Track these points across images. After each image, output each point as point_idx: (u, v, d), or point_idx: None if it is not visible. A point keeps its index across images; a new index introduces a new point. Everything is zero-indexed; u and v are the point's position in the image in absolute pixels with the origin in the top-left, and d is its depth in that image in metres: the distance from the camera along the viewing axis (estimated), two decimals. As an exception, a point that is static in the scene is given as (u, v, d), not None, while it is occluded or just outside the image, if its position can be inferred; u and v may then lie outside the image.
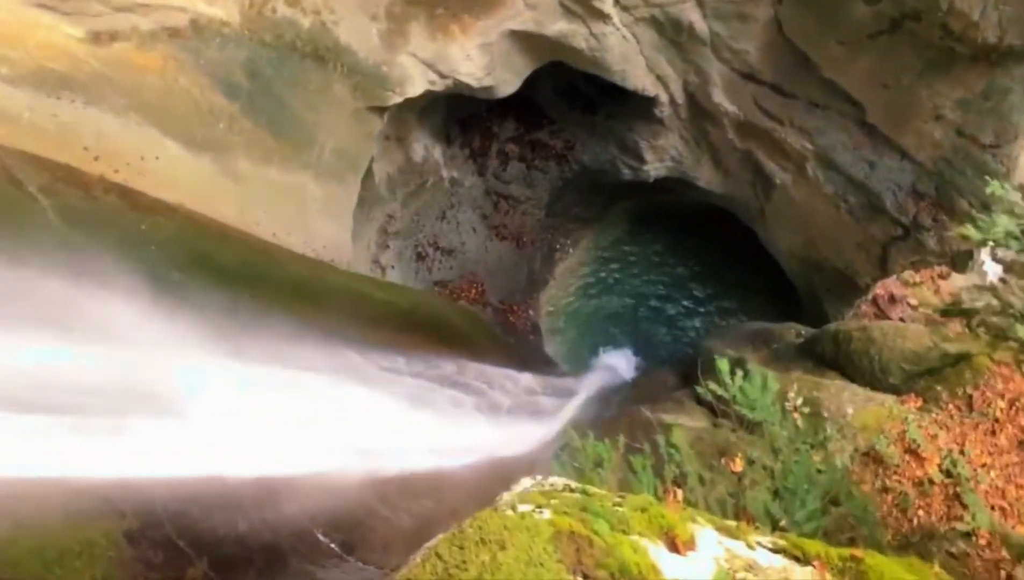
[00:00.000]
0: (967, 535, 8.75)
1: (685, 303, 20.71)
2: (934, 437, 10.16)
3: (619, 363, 19.65)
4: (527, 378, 16.14)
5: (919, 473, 9.73)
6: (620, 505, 3.37)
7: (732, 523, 3.74)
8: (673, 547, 3.15)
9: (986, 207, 14.05)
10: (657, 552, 3.04)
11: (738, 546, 3.37)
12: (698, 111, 17.67)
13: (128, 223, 11.45)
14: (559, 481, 3.80)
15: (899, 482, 9.64)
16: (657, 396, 14.26)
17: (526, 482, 3.85)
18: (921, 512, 9.22)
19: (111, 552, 7.68)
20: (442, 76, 15.27)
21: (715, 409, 11.15)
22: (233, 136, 13.53)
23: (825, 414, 10.24)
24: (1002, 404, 10.41)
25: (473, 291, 20.20)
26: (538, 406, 15.12)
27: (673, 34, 16.15)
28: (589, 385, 17.33)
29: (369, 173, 16.19)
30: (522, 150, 21.07)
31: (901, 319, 16.28)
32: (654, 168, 19.17)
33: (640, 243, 21.74)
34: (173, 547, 7.98)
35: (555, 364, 19.35)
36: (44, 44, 11.76)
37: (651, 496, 5.62)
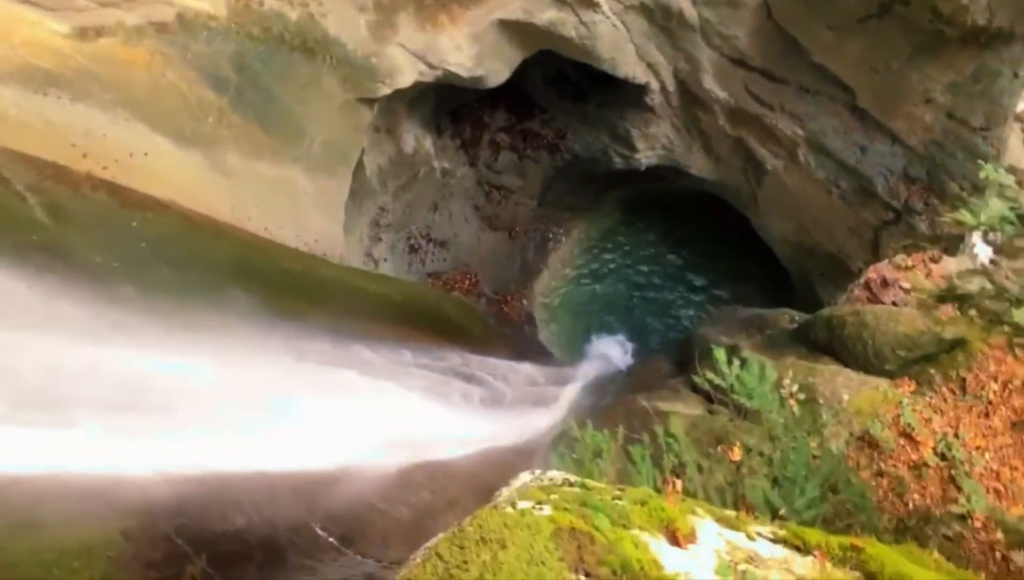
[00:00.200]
0: (962, 518, 8.81)
1: (679, 291, 20.73)
2: (928, 420, 10.21)
3: (614, 351, 19.70)
4: (526, 368, 16.19)
5: (914, 457, 9.78)
6: (620, 498, 3.36)
7: (732, 513, 3.73)
8: (674, 540, 3.15)
9: (977, 190, 14.16)
10: (658, 546, 3.04)
11: (738, 537, 3.38)
12: (689, 98, 17.64)
13: (118, 220, 11.36)
14: (558, 475, 3.78)
15: (894, 466, 9.69)
16: (653, 384, 14.28)
17: (525, 476, 3.84)
18: (917, 496, 9.28)
19: (109, 551, 7.65)
20: (432, 67, 15.19)
21: (711, 396, 11.19)
22: (222, 130, 13.44)
23: (820, 400, 10.28)
24: (995, 386, 10.47)
25: (467, 282, 20.18)
26: (538, 396, 15.17)
27: (663, 21, 16.08)
28: (586, 374, 17.38)
29: (360, 165, 16.13)
30: (513, 140, 21.01)
31: (894, 303, 16.36)
32: (646, 156, 19.13)
33: (633, 231, 21.74)
34: (171, 545, 7.96)
35: (550, 354, 19.37)
36: (29, 41, 11.64)
37: (650, 487, 5.64)
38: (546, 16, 15.45)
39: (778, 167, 17.04)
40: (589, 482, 3.63)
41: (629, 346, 19.84)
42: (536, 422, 13.59)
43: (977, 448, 9.85)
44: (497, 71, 16.48)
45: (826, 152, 16.13)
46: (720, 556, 3.15)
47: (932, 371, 10.70)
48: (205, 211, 12.78)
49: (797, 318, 13.56)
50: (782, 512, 5.44)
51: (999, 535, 8.39)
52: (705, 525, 3.37)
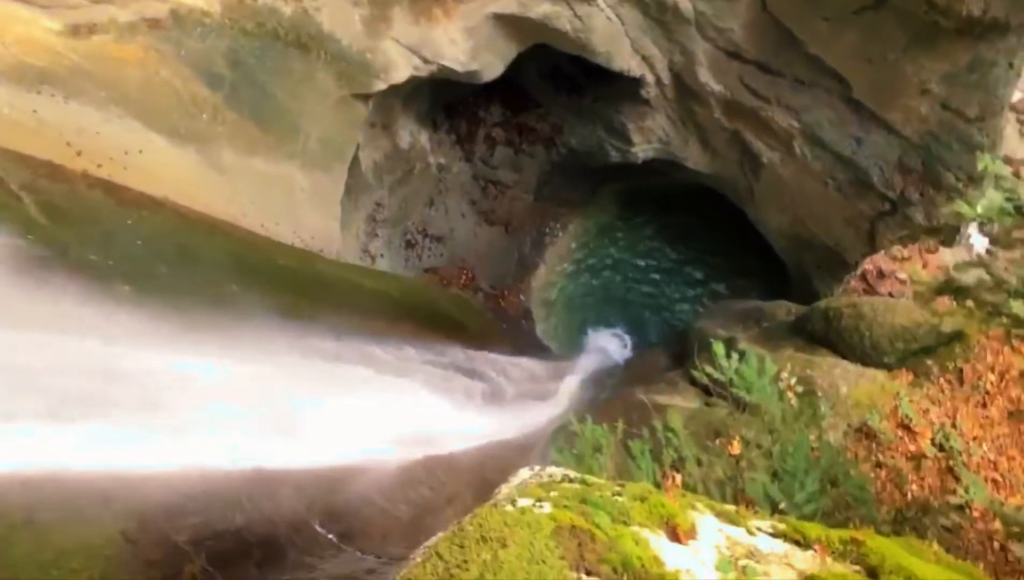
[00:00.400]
0: (960, 508, 8.84)
1: (676, 284, 20.72)
2: (926, 411, 10.23)
3: (612, 344, 19.71)
4: (526, 363, 16.22)
5: (912, 448, 9.80)
6: (620, 494, 3.36)
7: (731, 508, 3.73)
8: (674, 536, 3.14)
9: (973, 180, 14.17)
10: (658, 542, 3.03)
11: (739, 532, 3.37)
12: (684, 91, 17.60)
13: (114, 218, 11.33)
14: (557, 471, 3.78)
15: (893, 457, 9.71)
16: (650, 377, 14.28)
17: (524, 473, 3.83)
18: (915, 487, 9.30)
19: (108, 551, 7.64)
20: (426, 61, 15.14)
21: (708, 389, 11.19)
22: (217, 127, 13.40)
23: (819, 392, 10.29)
24: (992, 377, 10.49)
25: (463, 277, 20.16)
26: (538, 390, 15.21)
27: (657, 14, 16.04)
28: (584, 367, 17.39)
29: (355, 161, 16.08)
30: (509, 134, 20.97)
31: (890, 294, 16.36)
32: (642, 150, 19.10)
33: (630, 226, 21.71)
34: (171, 544, 7.96)
35: (548, 348, 19.37)
36: (22, 39, 11.59)
37: (650, 481, 5.64)
38: (540, 9, 15.41)
39: (774, 160, 17.03)
40: (589, 478, 3.62)
41: (628, 339, 19.84)
42: (536, 416, 13.65)
43: (975, 438, 9.88)
44: (492, 65, 16.44)
45: (822, 144, 16.12)
46: (720, 552, 3.14)
47: (929, 362, 10.72)
48: (201, 208, 12.75)
49: (794, 310, 13.56)
50: (782, 506, 5.44)
51: (997, 525, 8.41)
52: (705, 520, 3.36)
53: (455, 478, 11.54)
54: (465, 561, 2.57)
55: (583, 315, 20.56)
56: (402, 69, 14.87)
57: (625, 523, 3.02)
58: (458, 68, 15.63)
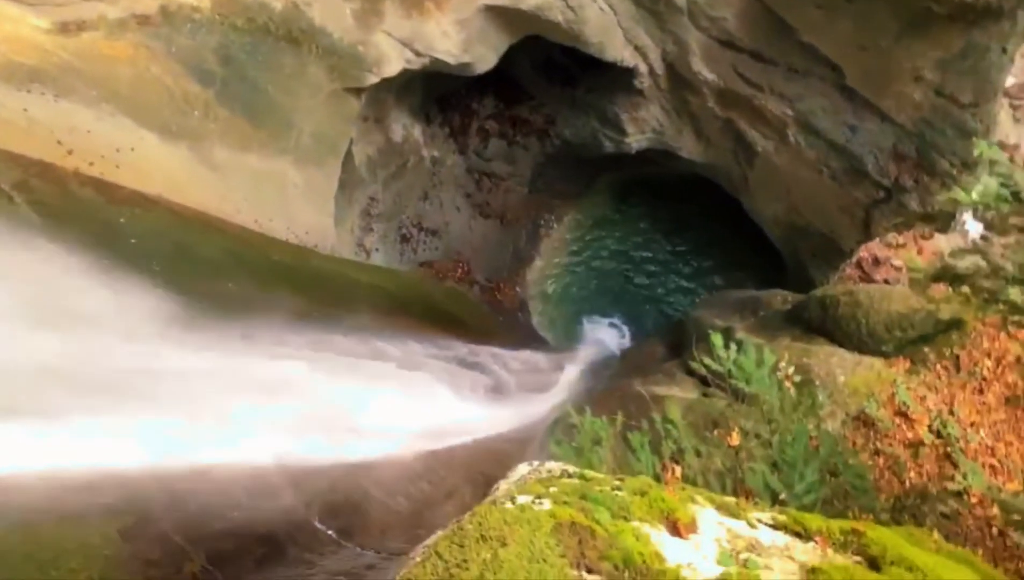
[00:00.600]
0: (959, 495, 8.85)
1: (671, 274, 20.71)
2: (923, 398, 10.24)
3: (609, 335, 19.72)
4: (526, 355, 16.28)
5: (910, 435, 9.81)
6: (619, 489, 3.34)
7: (731, 500, 3.72)
8: (675, 531, 3.13)
9: (967, 166, 14.16)
10: (659, 537, 3.02)
11: (739, 525, 3.36)
12: (678, 81, 17.56)
13: (106, 217, 11.27)
14: (556, 466, 3.76)
15: (890, 445, 9.72)
16: (647, 368, 14.27)
17: (523, 469, 3.82)
18: (913, 474, 9.31)
19: (107, 551, 7.62)
20: (419, 54, 15.07)
21: (706, 379, 11.20)
22: (209, 124, 13.33)
23: (816, 381, 10.29)
24: (989, 363, 10.50)
25: (459, 271, 20.13)
26: (538, 382, 15.28)
27: (650, 3, 15.99)
28: (582, 358, 17.41)
29: (349, 156, 16.03)
30: (502, 127, 20.92)
31: (886, 281, 16.36)
32: (636, 140, 19.06)
33: (625, 217, 21.68)
34: (169, 543, 7.94)
35: (544, 340, 19.36)
36: (10, 37, 11.49)
37: (650, 474, 5.63)
38: (533, 1, 15.34)
39: (768, 148, 17.01)
40: (588, 473, 3.61)
41: (626, 330, 19.85)
42: (537, 408, 13.72)
43: (972, 424, 9.89)
44: (484, 57, 16.38)
45: (816, 132, 16.10)
46: (721, 545, 3.14)
47: (926, 349, 10.72)
48: (194, 205, 12.69)
49: (790, 299, 13.55)
50: (782, 496, 5.44)
51: (995, 511, 8.43)
52: (705, 514, 3.35)
53: (454, 472, 11.55)
54: (465, 560, 2.55)
55: (579, 307, 20.55)
56: (394, 62, 14.80)
57: (625, 518, 3.01)
58: (450, 61, 15.56)
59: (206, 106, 13.25)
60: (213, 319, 9.80)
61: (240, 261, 12.45)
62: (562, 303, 20.80)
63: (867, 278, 16.54)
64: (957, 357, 10.59)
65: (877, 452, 9.63)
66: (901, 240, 16.73)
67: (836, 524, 3.46)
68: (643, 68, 17.52)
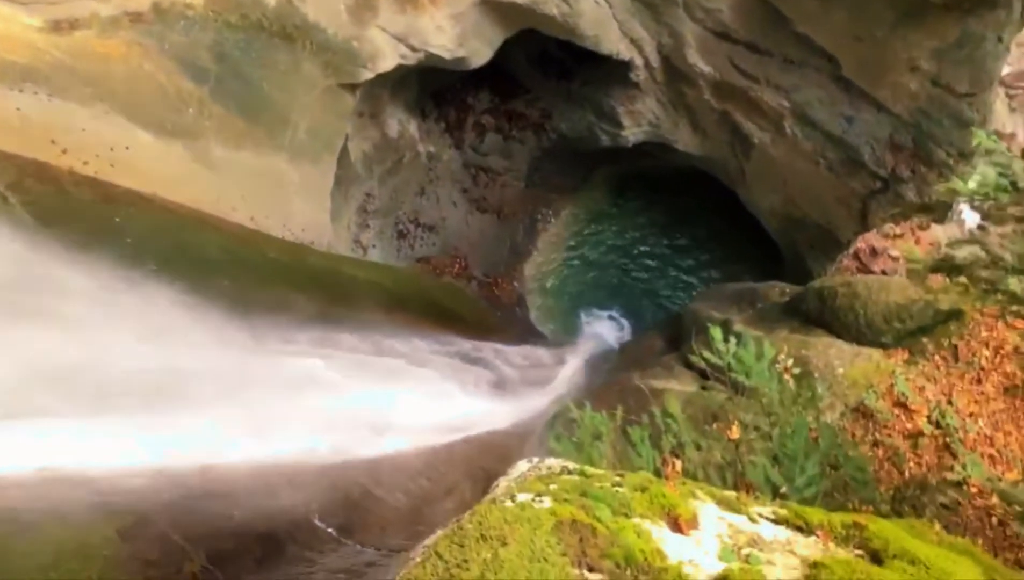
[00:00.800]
0: (958, 485, 8.86)
1: (669, 268, 20.69)
2: (922, 389, 10.24)
3: (608, 329, 19.71)
4: (527, 350, 16.31)
5: (909, 426, 9.82)
6: (620, 485, 3.33)
7: (732, 494, 3.71)
8: (676, 527, 3.11)
9: (964, 156, 14.14)
10: (660, 533, 3.01)
11: (740, 520, 3.35)
12: (674, 73, 17.51)
13: (102, 216, 11.22)
14: (556, 463, 3.74)
15: (890, 436, 9.72)
16: (645, 361, 14.27)
17: (523, 466, 3.79)
18: (913, 465, 9.32)
19: (106, 551, 7.59)
20: (413, 49, 15.01)
21: (704, 372, 11.18)
22: (204, 121, 13.27)
23: (815, 373, 10.29)
24: (987, 352, 10.51)
25: (456, 266, 20.09)
26: (539, 377, 15.32)
27: (645, -4, 15.95)
28: (582, 352, 17.41)
29: (345, 152, 15.98)
30: (498, 121, 20.85)
31: (883, 271, 16.38)
32: (632, 133, 19.02)
33: (622, 210, 21.65)
34: (169, 542, 7.91)
35: (543, 335, 19.35)
36: (2, 36, 11.43)
37: (651, 469, 5.62)
38: (527, -6, 15.29)
39: (765, 140, 16.98)
40: (588, 469, 3.59)
41: (625, 323, 19.85)
42: (537, 402, 13.77)
43: (970, 414, 9.90)
44: (479, 52, 16.31)
45: (812, 123, 16.07)
46: (723, 541, 3.12)
47: (924, 339, 10.72)
48: (190, 203, 12.64)
49: (788, 291, 13.54)
50: (783, 490, 5.43)
51: (995, 501, 8.44)
52: (706, 509, 3.34)
53: (454, 468, 11.55)
54: (465, 560, 2.53)
55: (577, 301, 20.54)
56: (389, 58, 14.74)
57: (626, 515, 2.99)
58: (445, 55, 15.50)
59: (200, 103, 13.19)
60: (217, 319, 9.87)
61: (237, 259, 12.42)
62: (560, 298, 20.78)
63: (865, 269, 16.55)
64: (955, 347, 10.59)
65: (876, 443, 9.64)
66: (898, 231, 16.75)
67: (837, 518, 3.45)
68: (639, 61, 17.47)
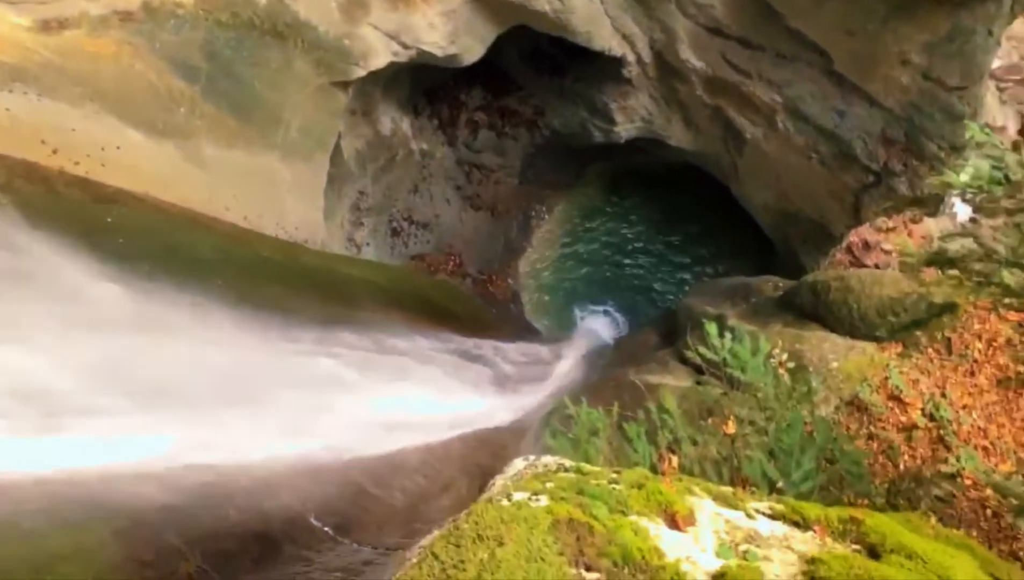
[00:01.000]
0: (952, 477, 8.89)
1: (663, 263, 20.72)
2: (916, 382, 10.28)
3: (603, 325, 19.74)
4: (523, 346, 16.35)
5: (903, 419, 9.85)
6: (616, 482, 3.32)
7: (729, 490, 3.71)
8: (673, 524, 3.11)
9: (955, 149, 14.17)
10: (657, 531, 3.00)
11: (737, 516, 3.35)
12: (666, 69, 17.51)
13: (93, 216, 11.18)
14: (552, 461, 3.74)
15: (884, 429, 9.76)
16: (640, 357, 14.29)
17: (519, 464, 3.79)
18: (907, 458, 9.35)
19: (102, 553, 7.58)
20: (405, 46, 14.97)
21: (699, 367, 11.19)
22: (195, 120, 13.22)
23: (809, 367, 10.31)
24: (980, 345, 10.55)
25: (451, 263, 20.07)
26: (536, 373, 15.37)
27: (637, -9, 15.93)
28: (578, 348, 17.45)
29: (337, 150, 15.94)
30: (491, 118, 20.82)
31: (876, 265, 16.42)
32: (625, 129, 19.01)
33: (616, 206, 21.66)
34: (164, 543, 7.90)
35: (538, 331, 19.37)
36: (-10, 36, 11.37)
37: (647, 465, 5.63)
38: (519, -9, 15.25)
39: (757, 135, 16.99)
40: (584, 466, 3.58)
41: (620, 318, 19.88)
42: (532, 398, 13.82)
43: (964, 407, 9.94)
44: (472, 48, 16.28)
45: (804, 118, 16.08)
46: (720, 537, 3.12)
47: (918, 333, 10.76)
48: (182, 203, 12.60)
49: (781, 285, 13.58)
50: (779, 485, 5.45)
51: (989, 493, 8.47)
52: (703, 505, 3.34)
53: (449, 465, 11.55)
54: (462, 561, 2.52)
55: (572, 297, 20.55)
56: (381, 55, 14.70)
57: (623, 513, 2.99)
58: (438, 52, 15.47)
59: (192, 103, 13.14)
60: (220, 318, 9.87)
61: (230, 258, 12.39)
62: (555, 294, 20.78)
63: (858, 263, 16.59)
64: (948, 340, 10.63)
65: (871, 437, 9.67)
66: (891, 224, 16.78)
67: (834, 512, 3.45)
68: (631, 57, 17.46)
